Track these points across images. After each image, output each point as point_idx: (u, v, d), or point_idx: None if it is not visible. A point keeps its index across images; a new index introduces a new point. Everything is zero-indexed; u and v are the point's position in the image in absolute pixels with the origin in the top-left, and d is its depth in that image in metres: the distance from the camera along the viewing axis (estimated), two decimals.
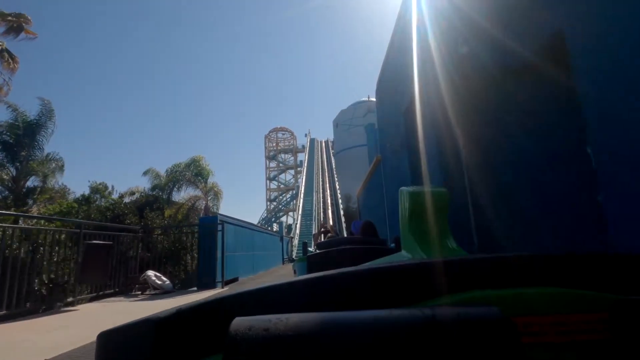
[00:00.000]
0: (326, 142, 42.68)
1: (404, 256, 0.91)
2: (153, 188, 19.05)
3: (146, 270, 6.34)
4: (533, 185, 2.05)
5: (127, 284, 6.24)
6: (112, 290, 5.92)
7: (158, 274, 6.25)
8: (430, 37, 3.15)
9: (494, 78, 2.32)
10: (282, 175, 47.36)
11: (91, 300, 5.44)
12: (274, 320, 0.29)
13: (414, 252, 0.87)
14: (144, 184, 19.83)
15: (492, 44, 2.24)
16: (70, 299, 4.76)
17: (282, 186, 46.30)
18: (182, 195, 20.66)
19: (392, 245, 2.19)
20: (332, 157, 37.68)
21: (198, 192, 20.73)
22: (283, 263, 16.50)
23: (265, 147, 47.75)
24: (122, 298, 5.70)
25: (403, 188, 0.97)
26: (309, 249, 3.86)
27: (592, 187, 1.40)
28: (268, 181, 46.44)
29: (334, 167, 34.89)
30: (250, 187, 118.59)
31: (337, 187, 29.63)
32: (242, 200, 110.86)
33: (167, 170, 20.16)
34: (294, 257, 18.96)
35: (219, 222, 6.89)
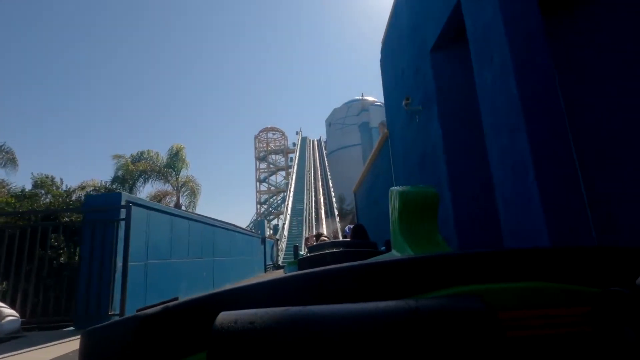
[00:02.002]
0: (318, 141, 40.49)
1: (394, 256, 0.88)
2: (113, 181, 16.12)
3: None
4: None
5: None
6: None
7: None
8: None
9: None
10: (273, 177, 44.78)
11: None
12: (261, 313, 0.29)
13: (403, 252, 0.85)
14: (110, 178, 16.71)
15: None
16: None
17: (272, 188, 43.56)
18: (150, 190, 17.71)
19: (383, 248, 2.14)
20: (324, 156, 35.10)
21: (169, 188, 17.73)
22: (266, 271, 13.49)
23: (255, 148, 45.27)
24: None
25: (393, 188, 0.96)
26: (300, 252, 3.52)
27: None
28: (258, 183, 43.80)
29: (326, 165, 32.22)
30: (240, 191, 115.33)
31: (331, 185, 26.91)
32: (232, 204, 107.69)
33: (131, 156, 17.13)
34: (280, 263, 16.00)
35: (122, 204, 3.61)
